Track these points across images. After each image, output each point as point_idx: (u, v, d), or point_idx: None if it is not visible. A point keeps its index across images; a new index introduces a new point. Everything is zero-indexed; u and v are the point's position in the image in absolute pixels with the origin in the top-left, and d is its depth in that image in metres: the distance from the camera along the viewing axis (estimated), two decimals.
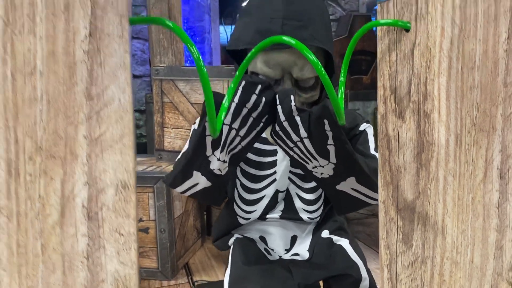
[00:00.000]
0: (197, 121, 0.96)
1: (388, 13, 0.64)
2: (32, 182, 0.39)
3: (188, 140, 0.95)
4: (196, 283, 1.45)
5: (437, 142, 0.58)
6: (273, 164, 0.92)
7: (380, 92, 0.67)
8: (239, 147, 0.76)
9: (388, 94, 0.66)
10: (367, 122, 0.97)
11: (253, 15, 0.77)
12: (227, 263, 0.87)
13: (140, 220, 1.46)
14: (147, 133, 2.24)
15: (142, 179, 1.44)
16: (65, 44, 0.43)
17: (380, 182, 0.64)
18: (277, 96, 0.72)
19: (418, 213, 0.60)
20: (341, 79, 0.62)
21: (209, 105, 0.40)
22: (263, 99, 0.72)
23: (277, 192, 0.92)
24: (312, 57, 0.45)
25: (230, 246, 0.92)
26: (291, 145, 0.74)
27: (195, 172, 0.79)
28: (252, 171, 0.91)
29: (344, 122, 0.56)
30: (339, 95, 0.60)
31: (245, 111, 0.72)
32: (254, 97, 0.71)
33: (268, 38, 0.45)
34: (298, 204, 0.93)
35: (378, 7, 0.67)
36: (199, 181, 0.80)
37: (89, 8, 0.43)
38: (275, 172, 0.92)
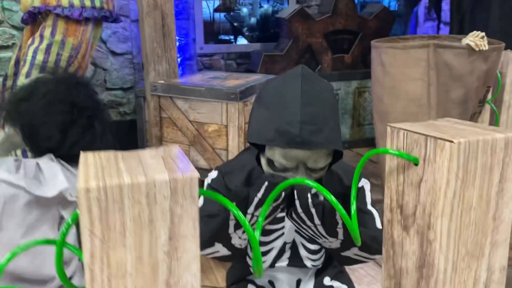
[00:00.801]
0: (213, 174, 1.05)
1: (398, 141, 0.73)
2: None
3: (203, 197, 1.04)
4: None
5: (437, 267, 0.70)
6: (282, 219, 1.02)
7: (386, 200, 0.78)
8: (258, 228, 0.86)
9: (394, 205, 0.77)
10: (365, 178, 1.08)
11: (271, 111, 0.84)
12: None
13: None
14: (139, 125, 2.29)
15: None
16: (149, 249, 0.52)
17: (384, 273, 0.77)
18: (295, 191, 0.81)
19: None
20: (352, 209, 0.72)
21: (255, 251, 0.50)
22: (283, 194, 0.81)
23: (284, 243, 1.04)
24: (332, 198, 0.57)
25: None
26: (305, 227, 0.85)
27: (216, 243, 0.89)
28: (267, 226, 1.02)
29: (360, 242, 0.67)
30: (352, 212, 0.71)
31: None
32: (279, 201, 0.81)
33: (288, 180, 0.56)
34: (303, 252, 1.05)
35: (388, 130, 0.76)
36: (220, 250, 0.90)
37: (168, 219, 0.52)
38: (283, 227, 1.03)
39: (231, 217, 0.86)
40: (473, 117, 1.64)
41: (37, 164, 1.16)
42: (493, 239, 0.71)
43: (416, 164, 0.69)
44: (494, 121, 1.79)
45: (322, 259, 1.07)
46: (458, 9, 2.51)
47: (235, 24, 3.29)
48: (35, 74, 1.78)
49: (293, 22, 2.97)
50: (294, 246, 1.05)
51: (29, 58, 1.80)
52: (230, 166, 1.05)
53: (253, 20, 3.32)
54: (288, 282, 1.07)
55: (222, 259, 0.95)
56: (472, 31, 2.52)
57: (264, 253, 1.04)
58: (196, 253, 0.52)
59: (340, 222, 0.83)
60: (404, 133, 0.71)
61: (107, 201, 0.47)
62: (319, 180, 0.96)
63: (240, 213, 0.54)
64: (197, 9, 3.08)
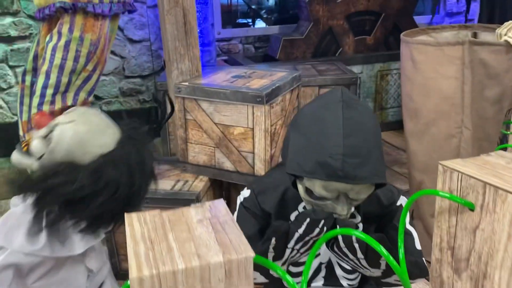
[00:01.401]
0: (245, 192, 1.03)
1: (451, 183, 0.70)
2: None
3: (236, 214, 1.02)
4: None
5: None
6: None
7: (436, 239, 0.75)
8: (298, 257, 0.85)
9: (445, 246, 0.74)
10: (403, 195, 1.04)
11: (311, 140, 0.81)
12: None
13: None
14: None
15: (173, 201, 1.53)
16: None
17: None
18: (338, 226, 0.78)
19: None
20: (400, 255, 0.69)
21: None
22: (325, 228, 0.79)
23: (320, 263, 1.02)
24: (381, 249, 0.55)
25: None
26: (347, 259, 0.83)
27: (255, 272, 0.88)
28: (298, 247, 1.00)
29: (410, 287, 0.65)
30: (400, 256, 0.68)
31: (307, 238, 0.79)
32: (317, 230, 0.78)
33: (335, 231, 0.54)
34: (339, 272, 1.03)
35: (440, 168, 0.72)
36: (258, 277, 0.89)
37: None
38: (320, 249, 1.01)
39: (270, 249, 0.84)
40: (508, 113, 1.58)
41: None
42: None
43: (471, 210, 0.66)
44: None
45: (358, 278, 1.05)
46: None
47: (253, 6, 3.20)
48: (54, 72, 1.76)
49: (314, 5, 2.87)
50: (329, 265, 1.04)
51: (48, 56, 1.77)
52: (263, 185, 1.03)
53: (271, 2, 3.23)
54: None
55: (259, 284, 0.94)
56: (503, 15, 2.41)
57: (299, 273, 1.03)
58: None
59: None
60: (458, 175, 0.68)
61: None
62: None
63: (288, 277, 0.51)
64: None
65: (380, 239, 0.78)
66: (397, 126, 3.14)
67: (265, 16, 3.26)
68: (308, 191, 0.85)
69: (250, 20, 3.23)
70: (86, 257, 1.14)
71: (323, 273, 1.04)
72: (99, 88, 3.00)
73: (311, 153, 0.80)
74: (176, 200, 1.53)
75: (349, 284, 1.04)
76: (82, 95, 1.85)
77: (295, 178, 0.87)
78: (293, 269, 1.03)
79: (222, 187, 1.84)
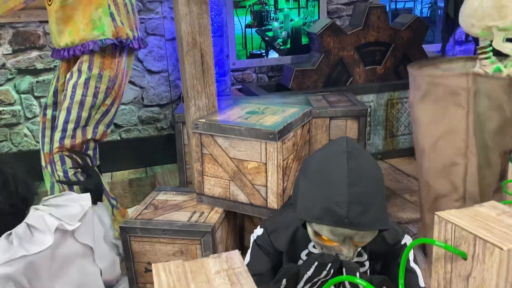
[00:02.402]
0: (258, 231, 1.10)
1: (446, 233, 0.76)
2: None
3: (249, 252, 1.09)
4: None
5: None
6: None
7: (434, 283, 0.81)
8: None
9: (444, 277, 0.79)
10: (407, 234, 1.10)
11: (318, 188, 0.88)
12: None
13: None
14: (177, 148, 2.36)
15: (190, 233, 1.60)
16: None
17: None
18: (344, 269, 0.85)
19: None
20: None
21: None
22: (332, 271, 0.86)
23: None
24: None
25: None
26: None
27: None
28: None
29: None
30: None
31: (315, 279, 0.86)
32: (324, 273, 0.85)
33: (340, 277, 0.60)
34: None
35: (436, 219, 0.78)
36: None
37: None
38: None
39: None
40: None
41: (26, 224, 1.22)
42: None
43: (464, 259, 0.72)
44: None
45: None
46: None
47: (266, 38, 3.31)
48: (75, 108, 1.87)
49: (325, 37, 2.97)
50: None
51: (69, 93, 1.88)
52: (275, 224, 1.10)
53: (284, 33, 3.34)
54: None
55: None
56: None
57: None
58: None
59: None
60: (452, 226, 0.74)
61: None
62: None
63: None
64: (229, 26, 3.12)
65: (383, 281, 0.85)
66: (408, 153, 3.19)
67: (277, 47, 3.37)
68: (317, 233, 0.92)
69: (263, 51, 3.34)
70: (75, 237, 1.30)
71: None
72: (119, 116, 3.12)
73: (319, 200, 0.87)
74: (193, 232, 1.60)
75: None
76: (101, 128, 1.96)
77: (305, 221, 0.94)
78: None
79: (236, 218, 1.92)
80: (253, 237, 1.11)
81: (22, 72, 2.89)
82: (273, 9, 3.27)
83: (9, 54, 2.84)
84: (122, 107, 3.10)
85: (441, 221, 0.77)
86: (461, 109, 1.55)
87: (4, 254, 1.14)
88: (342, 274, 0.87)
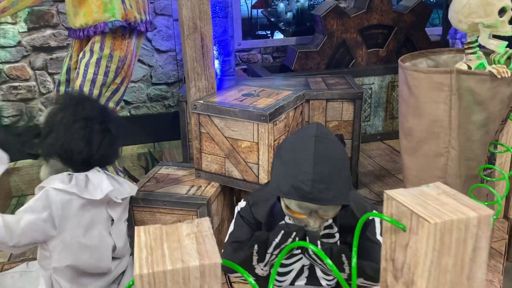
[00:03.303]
0: (242, 203, 1.23)
1: (392, 208, 0.87)
2: None
3: (233, 222, 1.22)
4: (232, 284, 1.80)
5: None
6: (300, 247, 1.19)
7: (383, 252, 0.92)
8: (274, 261, 1.04)
9: (388, 258, 0.92)
10: (376, 210, 1.22)
11: (288, 167, 1.00)
12: None
13: None
14: (181, 126, 2.49)
15: (187, 205, 1.74)
16: None
17: None
18: (307, 238, 0.98)
19: None
20: (353, 263, 0.88)
21: None
22: (297, 239, 0.98)
23: (303, 266, 1.22)
24: (329, 261, 0.74)
25: None
26: (317, 264, 1.02)
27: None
28: (276, 252, 1.20)
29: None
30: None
31: (283, 246, 0.99)
32: (290, 240, 0.98)
33: (297, 242, 0.73)
34: (319, 273, 1.22)
35: (385, 196, 0.89)
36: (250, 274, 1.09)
37: None
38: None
39: (254, 253, 1.04)
40: (497, 134, 1.72)
41: (86, 175, 1.44)
42: None
43: (404, 231, 0.84)
44: None
45: (335, 279, 1.24)
46: None
47: (272, 19, 3.38)
48: (87, 85, 2.00)
49: (328, 19, 3.04)
50: (311, 268, 1.23)
51: (81, 71, 2.01)
52: (257, 198, 1.23)
53: (289, 15, 3.40)
54: None
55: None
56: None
57: (285, 273, 1.22)
58: None
59: (346, 261, 1.00)
60: (396, 203, 0.86)
61: (155, 283, 0.66)
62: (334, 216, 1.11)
63: (252, 279, 0.71)
64: (235, 7, 3.20)
65: (341, 249, 0.97)
66: None
67: (283, 28, 3.44)
68: (287, 207, 1.04)
69: (269, 32, 3.42)
70: (109, 207, 1.48)
71: (305, 273, 1.23)
72: (129, 93, 3.25)
73: (288, 178, 0.99)
74: (190, 204, 1.74)
75: (327, 284, 1.23)
76: (111, 105, 2.09)
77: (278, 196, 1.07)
78: (281, 270, 1.22)
79: (233, 192, 2.05)
80: (237, 209, 1.24)
81: (36, 49, 3.02)
82: None
83: (25, 32, 2.97)
84: (132, 84, 3.23)
85: (388, 198, 0.88)
86: (444, 105, 1.62)
87: (60, 183, 1.38)
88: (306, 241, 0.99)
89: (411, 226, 0.81)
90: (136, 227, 0.78)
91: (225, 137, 1.77)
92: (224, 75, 2.99)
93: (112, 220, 1.52)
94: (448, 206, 0.80)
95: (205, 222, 0.79)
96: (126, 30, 1.99)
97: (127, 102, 3.29)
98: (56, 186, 1.38)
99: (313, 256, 1.00)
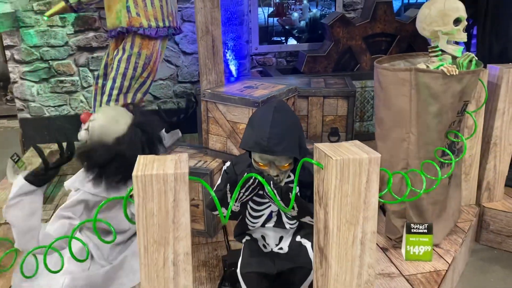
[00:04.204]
0: (228, 164, 1.61)
1: (318, 154, 1.23)
2: None
3: (220, 177, 1.60)
4: (229, 241, 2.18)
5: (330, 227, 1.20)
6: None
7: (315, 188, 1.27)
8: (244, 199, 1.42)
9: (316, 191, 1.27)
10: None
11: (253, 129, 1.37)
12: (241, 253, 1.56)
13: (193, 199, 2.17)
14: (197, 115, 2.89)
15: (194, 174, 2.13)
16: (164, 204, 1.08)
17: (315, 228, 1.29)
18: (263, 180, 1.35)
19: (323, 253, 1.27)
20: (293, 190, 1.24)
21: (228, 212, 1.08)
22: (256, 181, 1.35)
23: (271, 212, 1.58)
24: (270, 187, 1.12)
25: (243, 242, 1.61)
26: (270, 199, 1.39)
27: (222, 207, 1.46)
28: (258, 199, 1.56)
29: (290, 210, 1.21)
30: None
31: (246, 186, 1.37)
32: (250, 181, 1.35)
33: (248, 175, 1.11)
34: (284, 219, 1.58)
35: (314, 146, 1.25)
36: (224, 212, 1.47)
37: (173, 190, 1.08)
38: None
39: (227, 192, 1.42)
40: (452, 125, 2.03)
41: None
42: (365, 215, 1.20)
43: (322, 168, 1.20)
44: (473, 129, 2.18)
45: (297, 224, 1.60)
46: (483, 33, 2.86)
47: (287, 27, 3.77)
48: (119, 78, 2.44)
49: (335, 27, 3.39)
50: (278, 214, 1.59)
51: (115, 66, 2.45)
52: (238, 159, 1.61)
53: (302, 23, 3.78)
54: (273, 238, 1.62)
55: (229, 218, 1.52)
56: (496, 41, 2.84)
57: (257, 217, 1.59)
58: (186, 207, 1.08)
59: (295, 202, 1.36)
60: (319, 150, 1.22)
61: (145, 182, 1.04)
62: (292, 172, 1.47)
63: (223, 210, 1.09)
64: (253, 16, 3.60)
65: (288, 188, 1.33)
66: None
67: (296, 35, 3.81)
68: (254, 160, 1.42)
69: (283, 38, 3.80)
70: (130, 204, 1.80)
71: (274, 219, 1.59)
72: (158, 90, 3.71)
73: (253, 137, 1.37)
74: (196, 174, 2.13)
75: (290, 227, 1.59)
76: (139, 96, 2.53)
77: (250, 153, 1.44)
78: (254, 214, 1.59)
79: None
80: (223, 168, 1.62)
81: (80, 49, 3.53)
82: (294, 1, 3.72)
83: (71, 34, 3.48)
84: (160, 82, 3.68)
85: (315, 148, 1.24)
86: (406, 97, 1.95)
87: (96, 188, 1.72)
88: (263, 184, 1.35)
89: (326, 164, 1.18)
90: (139, 156, 1.18)
91: (227, 120, 2.16)
92: (240, 76, 3.39)
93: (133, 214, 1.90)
94: (351, 151, 1.18)
95: (184, 155, 1.18)
96: (147, 32, 2.40)
97: (155, 97, 3.74)
98: (91, 190, 1.72)
99: (269, 195, 1.36)
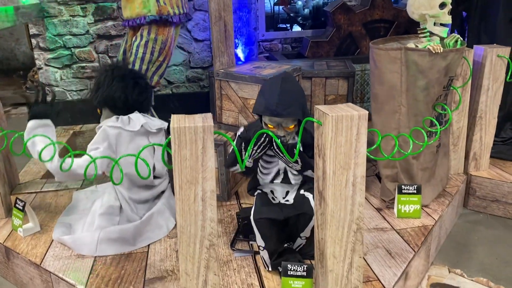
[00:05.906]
0: (241, 129, 1.88)
1: (317, 114, 1.49)
2: None
3: (235, 141, 1.88)
4: (241, 204, 2.46)
5: (328, 172, 1.46)
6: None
7: (315, 141, 1.54)
8: (256, 155, 1.70)
9: (316, 144, 1.53)
10: None
11: (264, 97, 1.64)
12: (253, 203, 1.84)
13: None
14: (210, 96, 3.16)
15: None
16: (196, 151, 1.36)
17: (315, 176, 1.57)
18: (272, 138, 1.62)
19: (322, 195, 1.55)
20: (298, 147, 1.51)
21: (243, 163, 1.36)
22: (267, 139, 1.63)
23: (279, 169, 1.86)
24: (278, 141, 1.40)
25: (255, 195, 1.89)
26: (280, 156, 1.66)
27: (237, 164, 1.74)
28: (268, 159, 1.84)
29: (295, 160, 1.48)
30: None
31: (259, 143, 1.64)
32: (262, 139, 1.63)
33: (261, 131, 1.38)
34: (290, 175, 1.86)
35: (315, 108, 1.52)
36: (238, 168, 1.75)
37: (202, 140, 1.36)
38: (278, 160, 1.84)
39: (242, 149, 1.70)
40: (439, 98, 2.29)
41: (128, 116, 2.12)
42: (356, 161, 1.47)
43: (320, 125, 1.46)
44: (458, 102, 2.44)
45: (301, 179, 1.87)
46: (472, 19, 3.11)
47: (291, 14, 4.02)
48: (138, 62, 2.70)
49: (336, 14, 3.64)
50: (285, 171, 1.86)
51: (133, 51, 2.72)
52: (251, 125, 1.88)
53: (306, 11, 4.03)
54: (281, 192, 1.90)
55: (242, 174, 1.80)
56: (484, 33, 3.09)
57: (267, 174, 1.87)
58: (212, 153, 1.36)
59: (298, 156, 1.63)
60: (318, 111, 1.48)
61: (180, 133, 1.32)
62: (297, 134, 1.74)
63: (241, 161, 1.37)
64: (260, 4, 3.86)
65: (293, 144, 1.60)
66: None
67: (301, 22, 4.06)
68: (264, 123, 1.69)
69: (288, 25, 4.05)
70: (150, 137, 2.14)
71: (281, 176, 1.87)
72: (171, 75, 3.98)
73: (263, 103, 1.64)
74: None
75: (295, 182, 1.86)
76: (156, 78, 2.80)
77: (261, 118, 1.72)
78: (264, 171, 1.87)
79: None
80: (237, 133, 1.89)
81: (100, 37, 3.80)
82: None
83: (92, 23, 3.76)
84: (173, 67, 3.95)
85: (316, 109, 1.51)
86: (397, 73, 2.21)
87: (111, 122, 2.06)
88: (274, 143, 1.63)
89: (323, 120, 1.44)
90: (173, 116, 1.45)
91: (238, 97, 2.43)
92: (248, 60, 3.65)
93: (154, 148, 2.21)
94: (344, 110, 1.44)
95: (209, 114, 1.45)
96: (175, 19, 2.67)
97: (169, 82, 4.02)
98: (108, 124, 2.06)
99: (277, 150, 1.64)
